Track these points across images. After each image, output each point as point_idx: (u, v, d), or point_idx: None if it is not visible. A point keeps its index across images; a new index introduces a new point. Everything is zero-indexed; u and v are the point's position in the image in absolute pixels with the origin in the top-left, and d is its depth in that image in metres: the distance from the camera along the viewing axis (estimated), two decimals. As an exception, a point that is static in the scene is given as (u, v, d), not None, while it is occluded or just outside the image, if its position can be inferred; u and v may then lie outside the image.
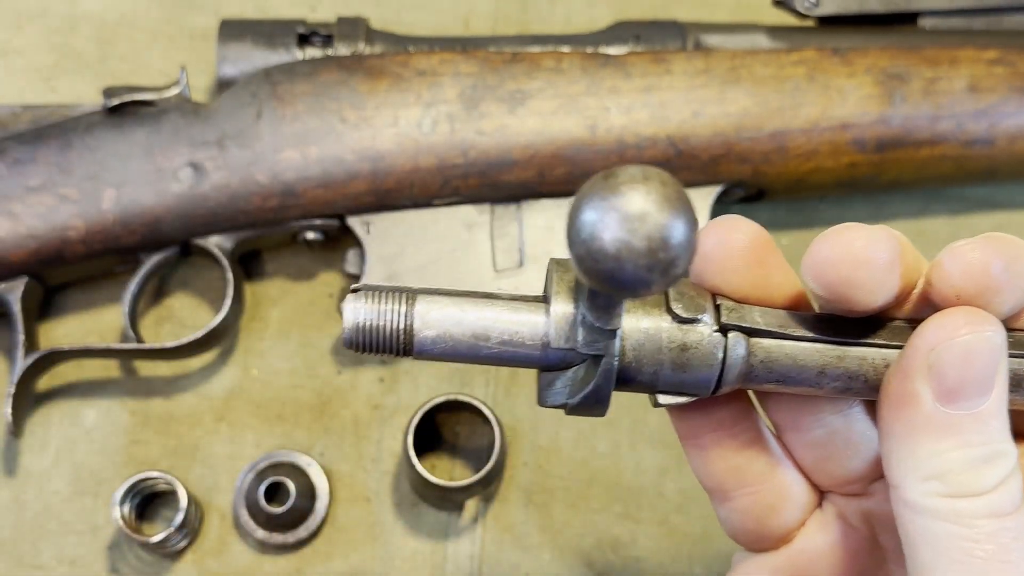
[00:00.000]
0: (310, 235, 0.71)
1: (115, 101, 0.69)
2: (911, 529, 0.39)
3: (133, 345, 0.69)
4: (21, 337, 0.68)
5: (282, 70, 0.69)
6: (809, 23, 0.75)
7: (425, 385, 0.74)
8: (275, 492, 0.70)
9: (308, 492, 0.70)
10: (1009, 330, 0.40)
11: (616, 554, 0.71)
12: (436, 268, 0.69)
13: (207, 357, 0.74)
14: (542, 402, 0.42)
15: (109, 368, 0.74)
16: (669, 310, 0.41)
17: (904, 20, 0.75)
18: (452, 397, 0.68)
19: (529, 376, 0.74)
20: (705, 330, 0.40)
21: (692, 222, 0.33)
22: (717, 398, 0.42)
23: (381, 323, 0.40)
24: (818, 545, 0.46)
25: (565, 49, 0.72)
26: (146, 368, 0.74)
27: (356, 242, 0.70)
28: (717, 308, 0.41)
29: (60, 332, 0.74)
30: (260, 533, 0.69)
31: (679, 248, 0.32)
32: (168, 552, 0.69)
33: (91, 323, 0.74)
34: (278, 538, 0.69)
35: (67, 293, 0.74)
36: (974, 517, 0.38)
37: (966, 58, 0.71)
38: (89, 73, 0.80)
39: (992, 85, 0.71)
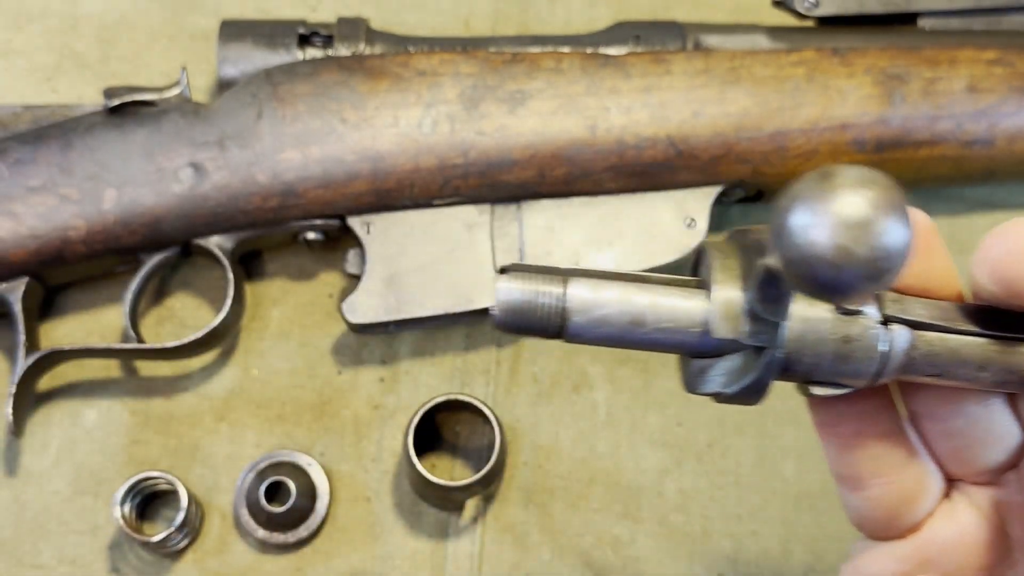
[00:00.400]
0: (310, 235, 0.71)
1: (116, 101, 0.69)
2: None
3: (134, 345, 0.70)
4: (22, 337, 0.68)
5: (282, 70, 0.70)
6: (809, 23, 0.75)
7: (425, 385, 0.74)
8: (276, 492, 0.70)
9: (308, 492, 0.70)
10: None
11: (616, 553, 0.71)
12: (437, 268, 0.70)
13: (208, 357, 0.74)
14: (692, 389, 0.41)
15: (110, 368, 0.74)
16: None
17: (903, 20, 0.75)
18: (452, 397, 0.68)
19: (529, 376, 0.74)
20: (868, 322, 0.39)
21: (910, 228, 0.32)
22: (863, 388, 0.42)
23: (534, 304, 0.39)
24: (946, 534, 0.46)
25: (565, 49, 0.72)
26: (147, 368, 0.74)
27: (356, 242, 0.70)
28: (878, 299, 0.40)
29: (61, 332, 0.74)
30: (261, 532, 0.69)
31: (899, 257, 0.32)
32: (169, 552, 0.69)
33: (92, 323, 0.74)
34: (279, 537, 0.69)
35: (68, 293, 0.74)
36: None
37: (965, 58, 0.71)
38: (90, 73, 0.80)
39: (991, 85, 0.71)
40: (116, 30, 0.81)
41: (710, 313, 0.39)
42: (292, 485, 0.68)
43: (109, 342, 0.74)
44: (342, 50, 0.72)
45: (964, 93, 0.71)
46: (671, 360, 0.75)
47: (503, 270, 0.40)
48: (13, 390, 0.68)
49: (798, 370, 0.40)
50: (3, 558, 0.69)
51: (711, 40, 0.73)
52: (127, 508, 0.67)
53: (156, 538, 0.66)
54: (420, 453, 0.68)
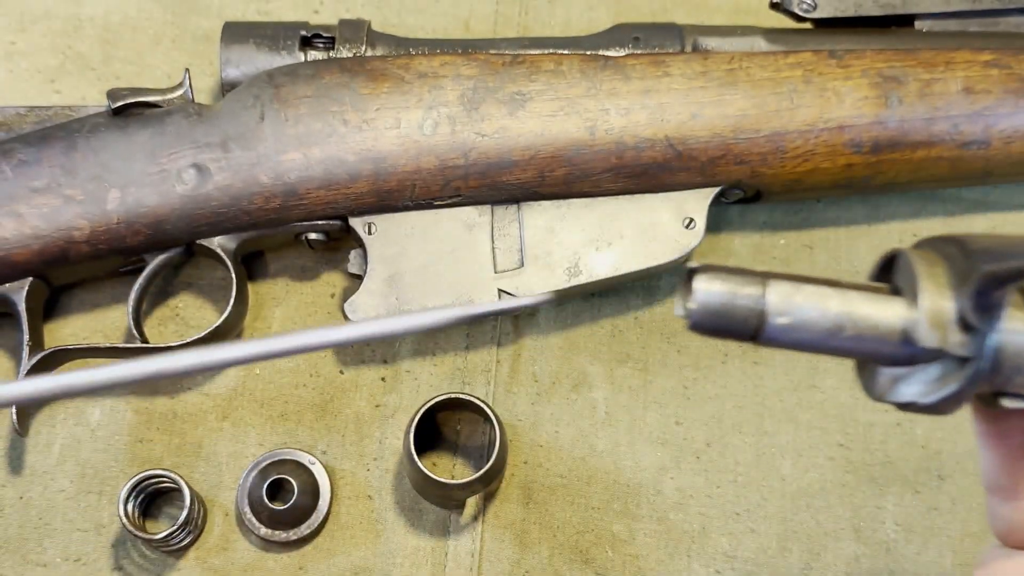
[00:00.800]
0: (312, 236, 0.72)
1: (119, 103, 0.69)
2: None
3: (138, 344, 0.70)
4: (26, 336, 0.69)
5: (284, 72, 0.70)
6: (806, 26, 0.75)
7: (426, 384, 0.74)
8: (278, 490, 0.70)
9: (310, 490, 0.70)
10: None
11: (615, 551, 0.71)
12: (437, 268, 0.70)
13: (210, 356, 0.74)
14: (879, 397, 0.40)
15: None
16: None
17: (900, 22, 0.75)
18: (453, 396, 0.69)
19: (529, 375, 0.75)
20: None
21: None
22: None
23: (731, 306, 0.38)
24: None
25: (565, 51, 0.72)
26: (150, 367, 0.74)
27: (358, 242, 0.71)
28: None
29: (65, 331, 0.74)
30: (263, 530, 0.69)
31: None
32: (172, 549, 0.70)
33: (96, 323, 0.75)
34: (281, 535, 0.69)
35: (72, 293, 0.75)
36: None
37: (962, 60, 0.72)
38: (93, 75, 0.80)
39: (987, 87, 0.71)
40: (119, 32, 0.81)
41: (916, 321, 0.38)
42: (294, 483, 0.69)
43: (113, 341, 0.74)
44: (344, 52, 0.72)
45: (960, 95, 0.71)
46: (670, 360, 0.76)
47: (695, 270, 0.39)
48: (18, 389, 0.68)
49: (995, 381, 0.39)
50: (8, 556, 0.70)
51: (709, 42, 0.73)
52: (131, 506, 0.68)
53: (159, 536, 0.67)
54: (421, 451, 0.68)
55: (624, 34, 0.74)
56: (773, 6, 0.74)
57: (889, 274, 0.42)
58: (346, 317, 0.70)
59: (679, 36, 0.73)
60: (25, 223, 0.68)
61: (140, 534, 0.67)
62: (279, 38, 0.72)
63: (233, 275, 0.71)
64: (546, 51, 0.72)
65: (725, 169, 0.70)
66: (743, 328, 0.39)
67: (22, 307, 0.69)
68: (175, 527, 0.67)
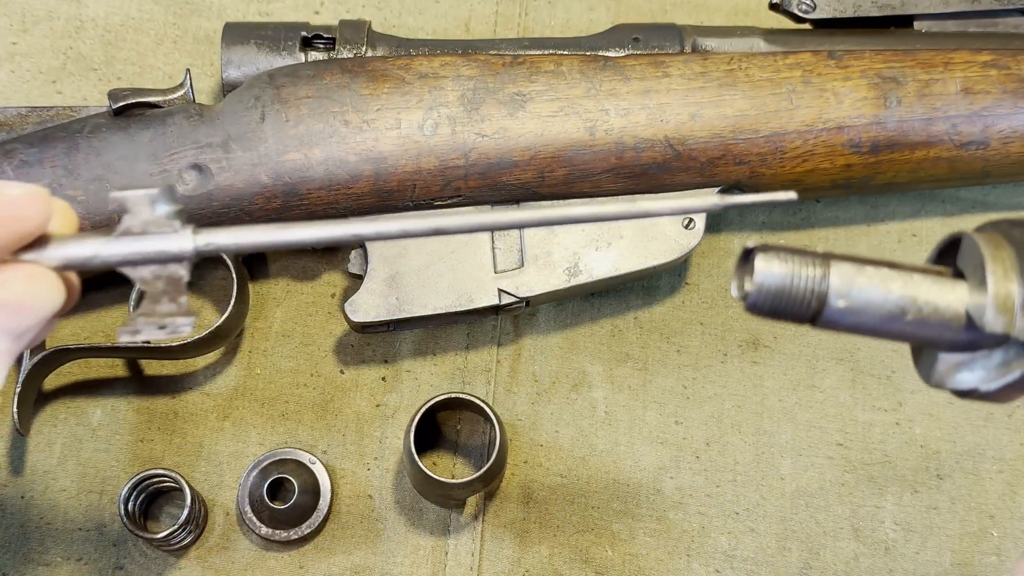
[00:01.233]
0: (313, 236, 0.72)
1: (120, 103, 0.69)
2: None
3: (139, 344, 0.70)
4: (28, 336, 0.69)
5: (285, 73, 0.70)
6: (805, 26, 0.75)
7: (426, 383, 0.75)
8: (278, 489, 0.71)
9: (311, 489, 0.71)
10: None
11: (614, 550, 0.72)
12: (438, 268, 0.70)
13: (212, 356, 0.75)
14: (938, 384, 0.39)
15: (115, 367, 0.74)
16: None
17: (899, 23, 0.76)
18: (453, 395, 0.69)
19: (529, 375, 0.75)
20: None
21: None
22: None
23: (791, 287, 0.38)
24: None
25: (564, 52, 0.73)
26: (152, 367, 0.75)
27: (359, 243, 0.71)
28: None
29: (66, 331, 0.75)
30: (264, 530, 0.69)
31: None
32: (173, 548, 0.70)
33: (96, 323, 0.75)
34: (281, 534, 0.70)
35: (73, 293, 0.75)
36: None
37: (960, 61, 0.72)
38: (94, 75, 0.80)
39: (986, 88, 0.71)
40: (121, 33, 0.81)
41: (981, 306, 0.37)
42: (295, 483, 0.69)
43: (114, 341, 0.74)
44: (344, 53, 0.72)
45: (959, 95, 0.71)
46: (669, 359, 0.76)
47: (754, 250, 0.38)
48: (19, 389, 0.68)
49: None
50: (10, 555, 0.70)
51: (709, 43, 0.74)
52: (132, 505, 0.68)
53: (160, 535, 0.67)
54: (421, 451, 0.68)
55: (624, 35, 0.74)
56: (772, 7, 0.75)
57: (948, 258, 0.41)
58: (347, 317, 0.70)
59: (679, 37, 0.74)
60: (27, 223, 0.68)
61: (141, 533, 0.67)
62: (280, 39, 0.72)
63: (234, 275, 0.71)
64: (546, 52, 0.73)
65: (724, 169, 0.71)
66: (803, 310, 0.38)
67: (24, 307, 0.69)
68: (176, 526, 0.67)
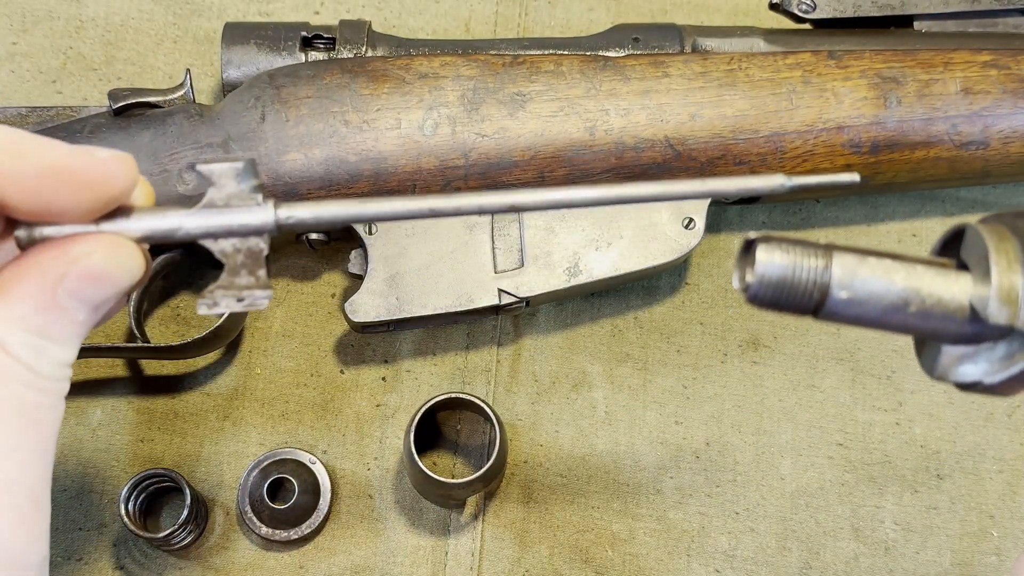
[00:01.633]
0: (313, 236, 0.72)
1: (120, 103, 0.69)
2: None
3: (139, 344, 0.70)
4: (28, 336, 0.69)
5: (285, 73, 0.70)
6: (805, 26, 0.75)
7: (427, 383, 0.75)
8: (279, 489, 0.71)
9: (311, 489, 0.71)
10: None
11: (614, 550, 0.72)
12: (438, 268, 0.70)
13: (212, 356, 0.75)
14: (941, 376, 0.39)
15: (115, 367, 0.74)
16: None
17: (899, 23, 0.76)
18: (453, 395, 0.69)
19: (529, 374, 0.75)
20: None
21: None
22: None
23: (794, 278, 0.38)
24: None
25: (564, 52, 0.73)
26: (152, 367, 0.75)
27: (359, 243, 0.71)
28: None
29: (66, 331, 0.75)
30: (264, 529, 0.69)
31: None
32: (173, 548, 0.70)
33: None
34: (282, 534, 0.70)
35: (73, 293, 0.75)
36: None
37: (960, 61, 0.72)
38: (95, 76, 0.81)
39: (986, 88, 0.71)
40: (121, 33, 0.81)
41: (985, 298, 0.37)
42: (295, 483, 0.69)
43: (114, 341, 0.74)
44: (344, 53, 0.72)
45: (959, 95, 0.71)
46: (669, 359, 0.76)
47: (756, 241, 0.38)
48: (20, 389, 0.68)
49: None
50: (10, 554, 0.70)
51: (709, 43, 0.74)
52: (132, 505, 0.68)
53: (161, 535, 0.67)
54: (421, 451, 0.68)
55: (624, 35, 0.74)
56: (772, 7, 0.75)
57: (952, 250, 0.41)
58: (347, 317, 0.70)
59: (679, 37, 0.74)
60: (27, 223, 0.68)
61: (141, 533, 0.67)
62: (280, 39, 0.73)
63: (234, 275, 0.71)
64: (546, 52, 0.73)
65: (724, 170, 0.71)
66: (805, 301, 0.38)
67: (24, 307, 0.69)
68: (176, 526, 0.67)
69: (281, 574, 0.71)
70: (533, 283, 0.70)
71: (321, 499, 0.71)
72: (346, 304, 0.70)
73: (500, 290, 0.70)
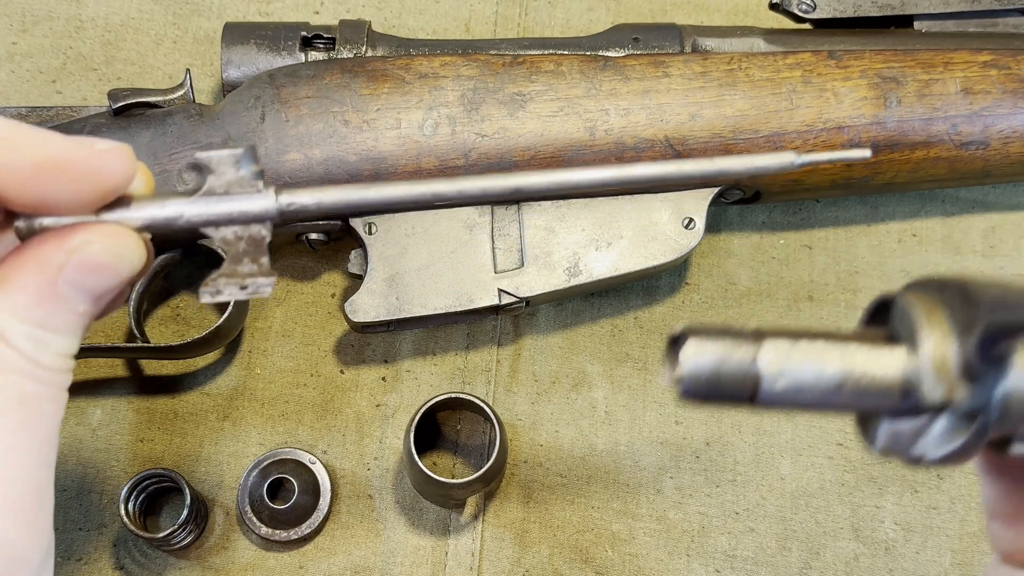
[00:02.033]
0: (313, 236, 0.72)
1: (120, 103, 0.69)
2: None
3: (139, 344, 0.70)
4: (28, 336, 0.69)
5: (285, 73, 0.70)
6: (805, 26, 0.75)
7: (426, 383, 0.75)
8: (278, 489, 0.71)
9: (311, 489, 0.71)
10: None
11: (614, 550, 0.72)
12: (438, 268, 0.70)
13: (212, 356, 0.75)
14: (885, 452, 0.38)
15: (115, 367, 0.74)
16: None
17: (899, 23, 0.76)
18: (453, 395, 0.69)
19: (529, 374, 0.75)
20: None
21: None
22: None
23: (723, 372, 0.36)
24: None
25: (564, 52, 0.73)
26: (152, 367, 0.75)
27: (359, 243, 0.71)
28: None
29: (66, 331, 0.75)
30: (264, 529, 0.70)
31: None
32: (173, 548, 0.70)
33: (97, 323, 0.75)
34: (281, 534, 0.70)
35: (73, 293, 0.75)
36: None
37: (960, 61, 0.72)
38: (94, 76, 0.81)
39: (986, 88, 0.71)
40: (121, 33, 0.82)
41: (919, 372, 0.36)
42: (295, 483, 0.69)
43: (114, 341, 0.74)
44: (344, 53, 0.72)
45: (959, 95, 0.71)
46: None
47: (681, 336, 0.37)
48: (20, 389, 0.68)
49: (1003, 429, 0.37)
50: (10, 555, 0.70)
51: (709, 43, 0.74)
52: (132, 505, 0.68)
53: (160, 535, 0.67)
54: (421, 451, 0.68)
55: (624, 35, 0.74)
56: (772, 7, 0.75)
57: (881, 318, 0.41)
58: (346, 317, 0.70)
59: (679, 37, 0.74)
60: (27, 223, 0.68)
61: (141, 533, 0.67)
62: (280, 39, 0.73)
63: (234, 275, 0.71)
64: (546, 52, 0.73)
65: (724, 169, 0.71)
66: (738, 394, 0.37)
67: (24, 307, 0.69)
68: (176, 526, 0.67)
69: (281, 574, 0.71)
70: (533, 283, 0.70)
71: (321, 499, 0.71)
72: (346, 304, 0.70)
73: (500, 290, 0.70)
